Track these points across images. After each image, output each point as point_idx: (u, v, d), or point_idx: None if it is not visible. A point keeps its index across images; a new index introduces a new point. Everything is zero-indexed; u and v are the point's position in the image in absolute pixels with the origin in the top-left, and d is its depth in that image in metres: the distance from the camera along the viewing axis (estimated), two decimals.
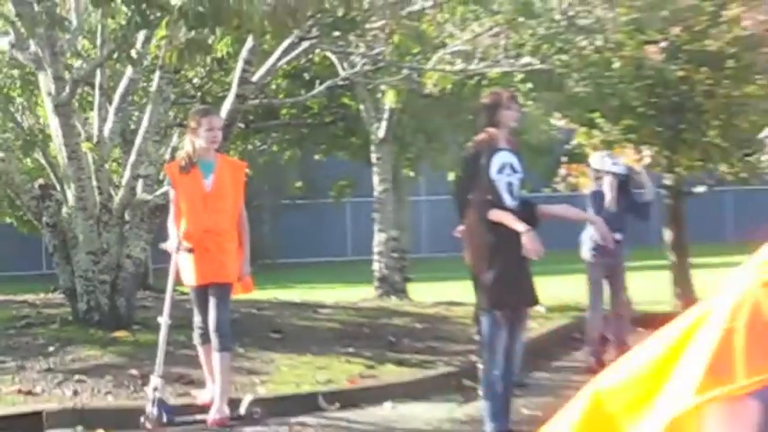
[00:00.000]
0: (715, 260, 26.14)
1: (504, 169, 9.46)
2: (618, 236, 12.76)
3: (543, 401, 11.34)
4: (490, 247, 9.31)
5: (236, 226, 10.48)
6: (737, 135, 18.38)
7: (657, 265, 19.93)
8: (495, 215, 9.27)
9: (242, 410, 10.33)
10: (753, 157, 18.76)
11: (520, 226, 9.21)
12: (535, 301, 10.01)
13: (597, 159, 13.88)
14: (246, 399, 10.52)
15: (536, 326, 15.20)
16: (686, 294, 18.69)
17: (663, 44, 17.78)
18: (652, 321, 16.43)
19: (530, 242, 9.16)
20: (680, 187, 19.10)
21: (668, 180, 19.00)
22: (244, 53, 14.07)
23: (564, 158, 19.73)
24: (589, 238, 13.19)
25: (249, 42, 13.79)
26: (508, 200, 9.44)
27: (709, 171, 19.37)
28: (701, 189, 19.41)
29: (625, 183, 13.52)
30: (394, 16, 14.71)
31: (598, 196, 13.39)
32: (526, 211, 9.54)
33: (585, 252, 13.31)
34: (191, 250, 10.18)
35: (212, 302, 10.22)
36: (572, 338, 15.21)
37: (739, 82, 18.10)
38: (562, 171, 19.57)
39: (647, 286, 18.49)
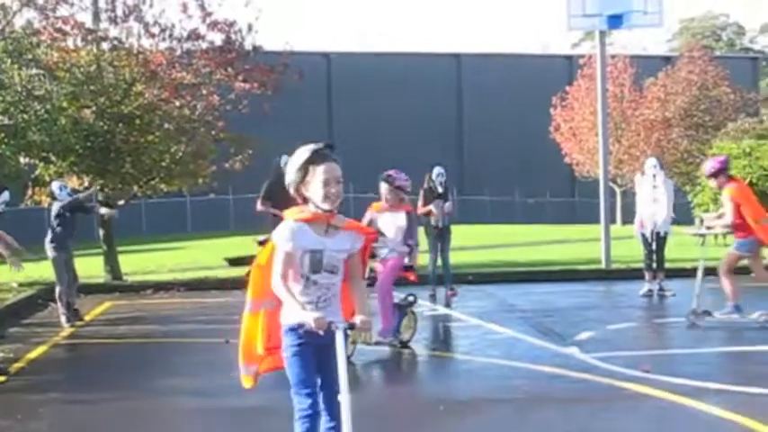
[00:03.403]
0: (133, 248, 26.31)
1: None
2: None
3: (15, 347, 11.07)
4: None
5: None
6: (144, 168, 18.56)
7: (97, 252, 19.72)
8: None
9: None
10: (154, 181, 19.03)
11: None
12: None
13: (54, 186, 13.57)
14: None
15: (11, 296, 14.71)
16: (114, 271, 18.71)
17: (93, 108, 17.70)
18: (89, 288, 16.40)
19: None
20: (109, 201, 18.98)
21: (101, 197, 18.86)
22: None
23: (30, 183, 19.04)
24: (49, 240, 12.97)
25: None
26: None
27: (127, 190, 19.36)
28: (121, 202, 19.39)
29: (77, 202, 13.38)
30: None
31: (57, 209, 13.15)
32: None
33: (50, 250, 13.00)
34: None
35: None
36: (38, 303, 14.82)
37: (144, 133, 18.34)
38: (29, 192, 18.95)
39: (88, 265, 18.25)
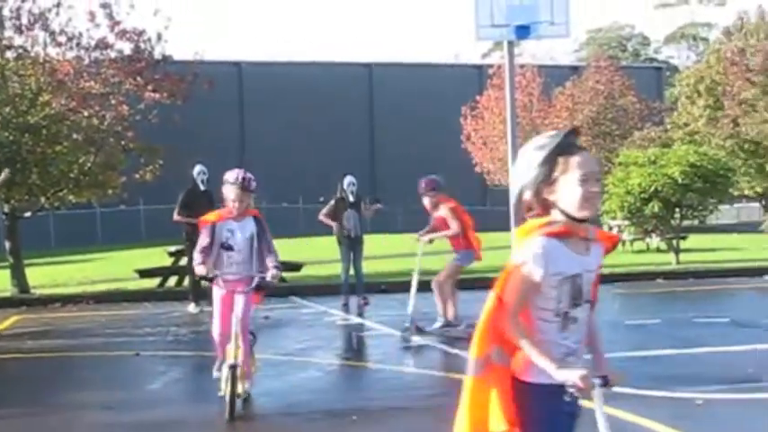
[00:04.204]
0: (41, 260, 25.76)
1: None
2: None
3: None
4: None
5: None
6: (52, 179, 18.25)
7: (3, 265, 19.28)
8: None
9: None
10: (62, 193, 18.68)
11: None
12: None
13: None
14: None
15: None
16: (21, 284, 18.32)
17: None
18: None
19: None
20: (15, 213, 18.63)
21: (6, 208, 18.50)
22: None
23: None
24: None
25: None
26: None
27: (35, 202, 19.01)
28: (28, 214, 19.02)
29: None
30: None
31: None
32: None
33: None
34: None
35: None
36: None
37: (51, 144, 18.04)
38: None
39: None
